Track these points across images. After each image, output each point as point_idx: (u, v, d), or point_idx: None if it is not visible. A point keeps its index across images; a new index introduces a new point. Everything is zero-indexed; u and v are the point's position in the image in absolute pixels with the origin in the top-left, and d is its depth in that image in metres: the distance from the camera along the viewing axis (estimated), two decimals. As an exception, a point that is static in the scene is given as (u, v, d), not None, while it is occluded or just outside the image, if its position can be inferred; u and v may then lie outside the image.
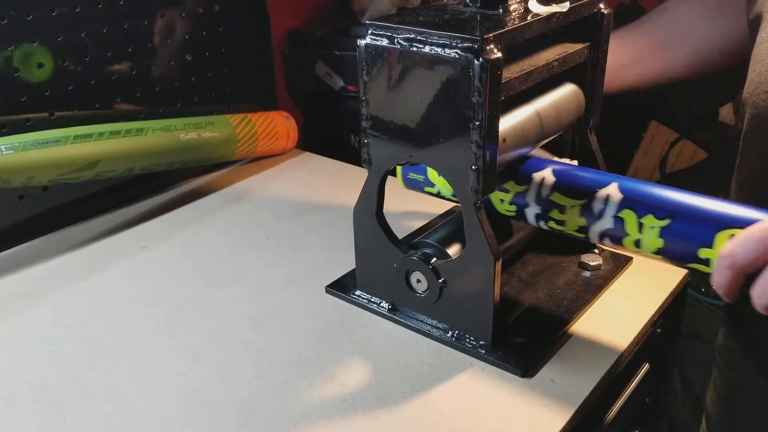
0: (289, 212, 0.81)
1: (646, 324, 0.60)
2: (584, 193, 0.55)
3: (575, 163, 0.66)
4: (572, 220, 0.56)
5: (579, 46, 0.59)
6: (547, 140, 0.62)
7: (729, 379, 0.69)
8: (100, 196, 0.81)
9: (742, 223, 0.47)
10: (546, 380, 0.54)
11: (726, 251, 0.44)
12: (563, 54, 0.57)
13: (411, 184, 0.67)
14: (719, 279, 0.45)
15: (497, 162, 0.52)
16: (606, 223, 0.54)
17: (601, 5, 0.59)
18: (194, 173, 0.90)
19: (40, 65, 0.73)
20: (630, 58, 0.74)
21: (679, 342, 0.81)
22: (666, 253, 0.52)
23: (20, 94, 0.72)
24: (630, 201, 0.53)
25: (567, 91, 0.62)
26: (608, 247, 0.56)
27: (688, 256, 0.50)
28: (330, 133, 1.11)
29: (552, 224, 0.57)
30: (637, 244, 0.53)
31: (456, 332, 0.57)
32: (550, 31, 0.55)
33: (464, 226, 0.53)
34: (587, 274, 0.65)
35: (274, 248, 0.73)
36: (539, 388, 0.53)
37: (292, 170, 0.93)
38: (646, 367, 0.65)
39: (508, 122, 0.55)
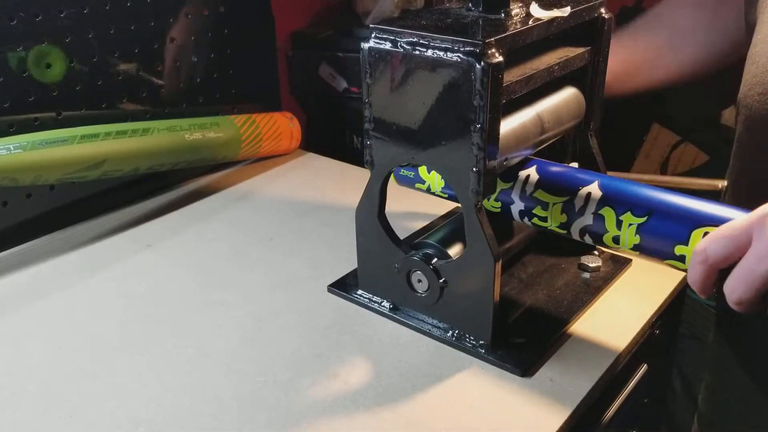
0: (292, 212, 0.82)
1: (645, 325, 0.61)
2: (567, 191, 0.56)
3: (575, 165, 0.66)
4: (555, 217, 0.57)
5: (580, 50, 0.60)
6: (548, 143, 0.62)
7: (719, 377, 0.70)
8: (106, 195, 0.82)
9: (716, 221, 0.49)
10: (545, 380, 0.54)
11: (699, 248, 0.46)
12: (564, 58, 0.58)
13: (403, 181, 0.68)
14: (693, 275, 0.46)
15: (498, 164, 0.52)
16: (586, 219, 0.55)
17: (602, 10, 0.60)
18: (199, 173, 0.91)
19: (48, 66, 0.74)
20: (632, 64, 0.74)
21: (678, 343, 0.81)
22: (643, 250, 0.53)
23: (28, 94, 0.73)
24: (609, 199, 0.54)
25: (568, 94, 0.62)
26: (590, 243, 0.57)
27: (665, 252, 0.52)
28: (333, 134, 1.12)
29: (536, 220, 0.59)
30: (616, 240, 0.54)
31: (456, 332, 0.58)
32: (551, 35, 0.56)
33: (465, 227, 0.54)
34: (586, 275, 0.66)
35: (278, 247, 0.74)
36: (538, 388, 0.53)
37: (296, 171, 0.93)
38: (644, 368, 0.66)
39: (509, 125, 0.56)
